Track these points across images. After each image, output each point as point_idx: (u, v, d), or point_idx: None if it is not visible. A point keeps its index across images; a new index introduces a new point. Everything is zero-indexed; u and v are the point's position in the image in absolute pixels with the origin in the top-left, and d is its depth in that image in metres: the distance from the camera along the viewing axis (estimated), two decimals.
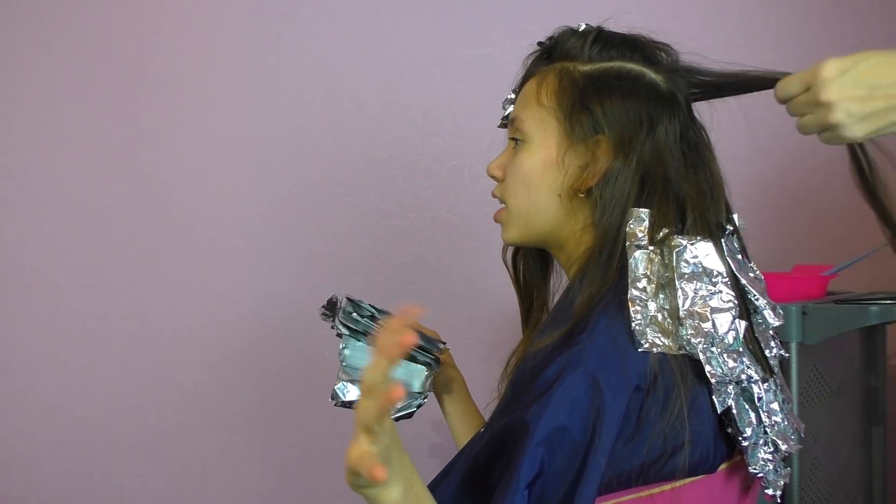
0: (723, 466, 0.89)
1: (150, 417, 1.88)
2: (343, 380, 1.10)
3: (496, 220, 1.01)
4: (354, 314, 1.10)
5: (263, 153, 1.91)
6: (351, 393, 1.10)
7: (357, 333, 1.10)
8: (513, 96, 1.02)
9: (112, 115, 1.87)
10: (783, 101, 0.86)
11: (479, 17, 1.93)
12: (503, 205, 1.00)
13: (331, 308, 1.14)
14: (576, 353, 0.81)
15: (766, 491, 0.89)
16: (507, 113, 1.03)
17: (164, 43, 1.89)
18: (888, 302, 1.41)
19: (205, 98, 1.89)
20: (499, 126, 1.06)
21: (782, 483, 0.89)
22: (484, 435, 0.86)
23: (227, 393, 1.89)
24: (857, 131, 0.80)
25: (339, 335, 1.12)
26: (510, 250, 1.08)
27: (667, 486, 0.84)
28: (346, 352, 1.10)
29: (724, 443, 0.88)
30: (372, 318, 1.10)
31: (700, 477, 0.87)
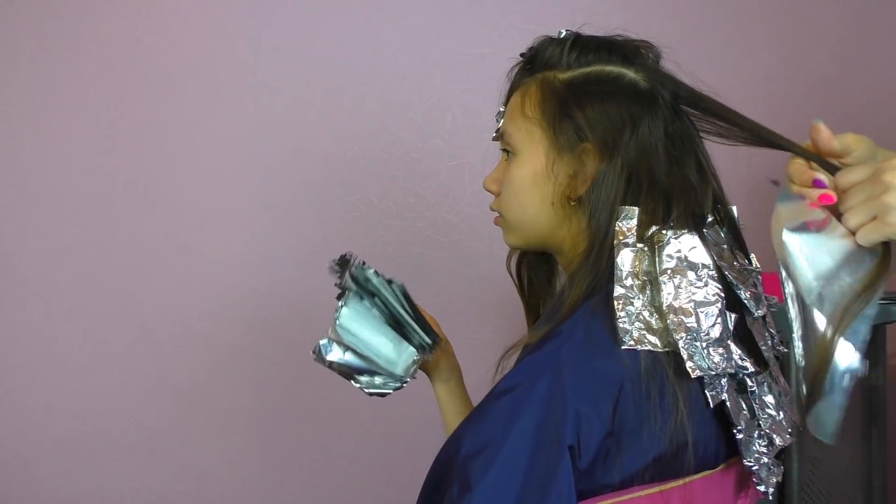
0: (733, 460, 0.90)
1: (150, 417, 1.88)
2: (331, 338, 1.04)
3: (496, 224, 1.03)
4: (372, 270, 1.04)
5: (263, 153, 1.91)
6: (334, 353, 1.04)
7: (363, 292, 1.04)
8: (503, 109, 1.04)
9: (112, 114, 1.87)
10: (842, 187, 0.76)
11: (479, 17, 1.93)
12: (500, 216, 1.01)
13: (342, 264, 1.08)
14: (544, 357, 0.84)
15: (758, 487, 0.89)
16: (498, 126, 1.05)
17: (163, 43, 1.89)
18: (888, 302, 1.41)
19: (204, 98, 1.89)
20: (492, 139, 1.07)
21: (774, 481, 0.90)
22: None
23: (227, 393, 1.90)
24: None
25: (342, 293, 1.07)
26: (514, 259, 1.09)
27: (678, 483, 0.85)
28: (345, 310, 1.04)
29: (726, 437, 0.89)
30: (389, 282, 1.05)
31: (712, 472, 0.87)
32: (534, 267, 1.08)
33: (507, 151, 0.99)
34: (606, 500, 0.82)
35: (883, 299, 1.43)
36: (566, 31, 0.99)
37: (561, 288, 0.97)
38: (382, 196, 1.92)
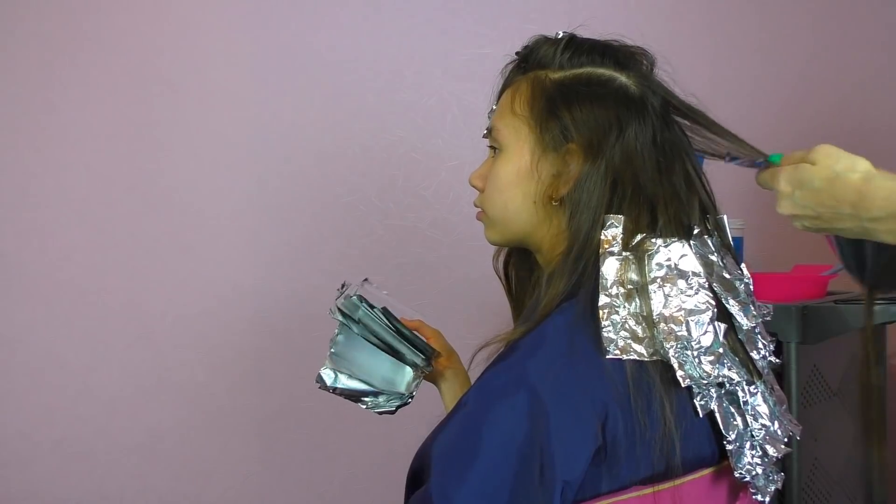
0: (725, 463, 0.90)
1: (150, 417, 1.88)
2: (329, 367, 1.09)
3: (478, 220, 1.04)
4: (355, 297, 1.07)
5: (263, 153, 1.91)
6: (336, 379, 1.09)
7: (352, 322, 1.08)
8: (495, 107, 1.04)
9: (112, 114, 1.87)
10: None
11: (479, 17, 1.93)
12: (482, 212, 1.03)
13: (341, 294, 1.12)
14: (517, 366, 0.83)
15: (755, 497, 0.88)
16: (489, 124, 1.05)
17: (164, 43, 1.89)
18: (888, 302, 1.41)
19: (205, 98, 1.89)
20: (483, 136, 1.07)
21: (773, 489, 0.89)
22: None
23: (227, 393, 1.89)
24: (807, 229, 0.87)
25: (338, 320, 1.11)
26: (501, 259, 1.10)
27: (668, 485, 0.84)
28: (340, 338, 1.09)
29: (719, 439, 0.89)
30: (383, 312, 1.08)
31: (700, 474, 0.87)
32: (520, 265, 1.08)
33: (495, 148, 0.99)
34: (600, 500, 0.82)
35: (883, 299, 1.43)
36: (563, 32, 0.99)
37: (537, 290, 0.96)
38: (382, 196, 1.92)
